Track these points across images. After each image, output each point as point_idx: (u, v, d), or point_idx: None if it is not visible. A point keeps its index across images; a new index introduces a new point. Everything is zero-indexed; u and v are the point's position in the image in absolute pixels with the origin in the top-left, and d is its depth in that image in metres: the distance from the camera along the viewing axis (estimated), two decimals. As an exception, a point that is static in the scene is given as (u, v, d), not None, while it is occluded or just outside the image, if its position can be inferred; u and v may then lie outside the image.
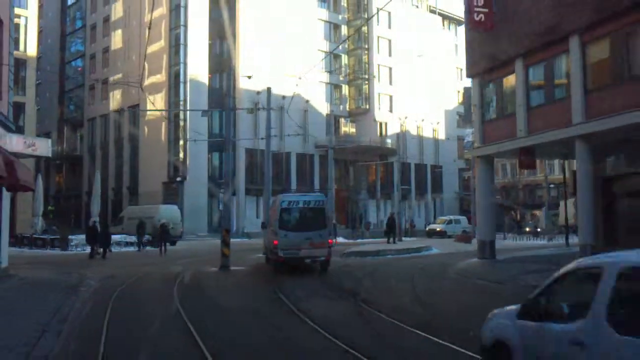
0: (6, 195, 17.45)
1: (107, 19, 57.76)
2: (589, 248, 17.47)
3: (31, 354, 7.90)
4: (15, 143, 18.03)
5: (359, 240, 40.38)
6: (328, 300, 13.01)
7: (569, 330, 4.74)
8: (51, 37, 63.49)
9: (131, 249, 31.20)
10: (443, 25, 69.02)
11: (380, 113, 60.94)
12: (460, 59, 49.27)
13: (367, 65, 59.98)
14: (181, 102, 48.10)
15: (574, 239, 26.07)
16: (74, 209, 59.31)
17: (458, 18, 63.25)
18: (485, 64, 21.70)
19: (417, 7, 65.87)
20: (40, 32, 53.11)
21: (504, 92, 21.63)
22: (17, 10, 35.77)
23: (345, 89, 60.76)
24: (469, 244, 31.34)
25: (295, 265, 17.99)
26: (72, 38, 63.80)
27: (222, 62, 51.62)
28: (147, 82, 49.44)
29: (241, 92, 49.85)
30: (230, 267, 19.79)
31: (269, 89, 28.76)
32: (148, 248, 30.88)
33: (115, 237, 30.21)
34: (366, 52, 60.21)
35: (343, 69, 60.25)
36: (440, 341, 8.25)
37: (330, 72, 57.24)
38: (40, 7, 52.24)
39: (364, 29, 59.56)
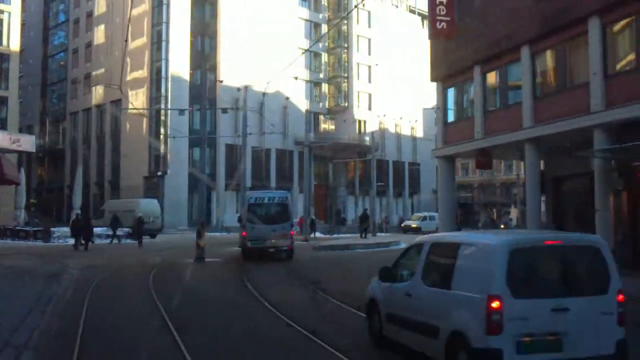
0: (-9, 188, 18.49)
1: (90, 14, 58.42)
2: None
3: (19, 329, 9.11)
4: (0, 139, 19.02)
5: (334, 235, 41.70)
6: (289, 287, 14.35)
7: (404, 287, 7.35)
8: (34, 30, 63.82)
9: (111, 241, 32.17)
10: (422, 25, 70.29)
11: (359, 111, 62.34)
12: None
13: (346, 64, 61.32)
14: (162, 98, 49.07)
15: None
16: (56, 202, 60.01)
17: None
18: (446, 69, 23.11)
19: (397, 6, 67.28)
20: (22, 25, 53.56)
21: (463, 97, 23.09)
22: (0, 6, 36.50)
23: (325, 87, 62.05)
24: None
25: (262, 253, 20.09)
26: (55, 32, 64.26)
27: (203, 59, 52.61)
28: (129, 77, 50.37)
29: (222, 89, 50.87)
30: (206, 258, 21.02)
31: (245, 89, 29.98)
32: (128, 241, 31.90)
33: (96, 230, 31.18)
34: (346, 50, 61.55)
35: (323, 67, 61.53)
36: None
37: (310, 70, 58.47)
38: (23, 0, 52.71)
39: (344, 28, 60.86)
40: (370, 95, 63.23)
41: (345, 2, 60.81)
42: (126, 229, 32.70)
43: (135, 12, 50.71)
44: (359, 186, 60.83)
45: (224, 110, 37.17)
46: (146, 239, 31.03)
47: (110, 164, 54.28)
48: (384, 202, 63.86)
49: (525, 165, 20.19)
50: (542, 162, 22.38)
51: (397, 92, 62.96)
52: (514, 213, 71.31)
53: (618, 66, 16.34)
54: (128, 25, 34.64)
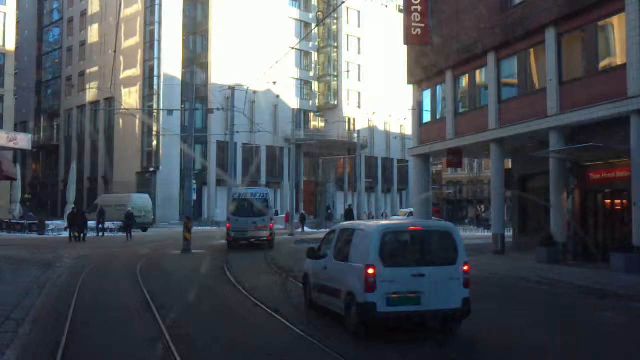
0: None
1: (84, 13, 59.46)
2: (500, 238, 20.41)
3: (18, 307, 10.39)
4: (-2, 137, 20.23)
5: (321, 230, 42.98)
6: (264, 275, 15.64)
7: (323, 262, 9.62)
8: (28, 28, 64.82)
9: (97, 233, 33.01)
10: (412, 24, 71.68)
11: (349, 109, 63.65)
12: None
13: (336, 63, 62.60)
14: (155, 96, 50.24)
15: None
16: (50, 196, 61.15)
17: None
18: (422, 73, 24.46)
19: (386, 6, 68.55)
20: (17, 23, 54.51)
21: (437, 99, 24.45)
22: (-4, 7, 37.52)
23: (315, 85, 63.32)
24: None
25: (245, 244, 22.54)
26: (49, 30, 65.24)
27: (195, 58, 53.75)
28: (122, 75, 51.56)
29: (213, 87, 52.05)
30: (192, 250, 22.31)
31: (233, 90, 31.04)
32: (119, 234, 33.08)
33: (90, 224, 32.28)
34: (335, 49, 62.81)
35: (313, 65, 62.77)
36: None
37: (300, 68, 59.64)
38: (19, -1, 53.71)
39: (334, 27, 62.12)
40: (359, 93, 64.54)
41: (335, 1, 61.98)
42: (117, 223, 33.87)
43: (128, 11, 52.01)
44: (348, 182, 62.11)
45: (210, 111, 38.33)
46: (137, 232, 32.24)
47: (104, 160, 55.43)
48: (373, 198, 65.27)
49: (491, 165, 21.55)
50: (510, 161, 23.87)
51: (387, 90, 64.23)
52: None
53: (571, 73, 17.72)
54: (118, 24, 35.94)
